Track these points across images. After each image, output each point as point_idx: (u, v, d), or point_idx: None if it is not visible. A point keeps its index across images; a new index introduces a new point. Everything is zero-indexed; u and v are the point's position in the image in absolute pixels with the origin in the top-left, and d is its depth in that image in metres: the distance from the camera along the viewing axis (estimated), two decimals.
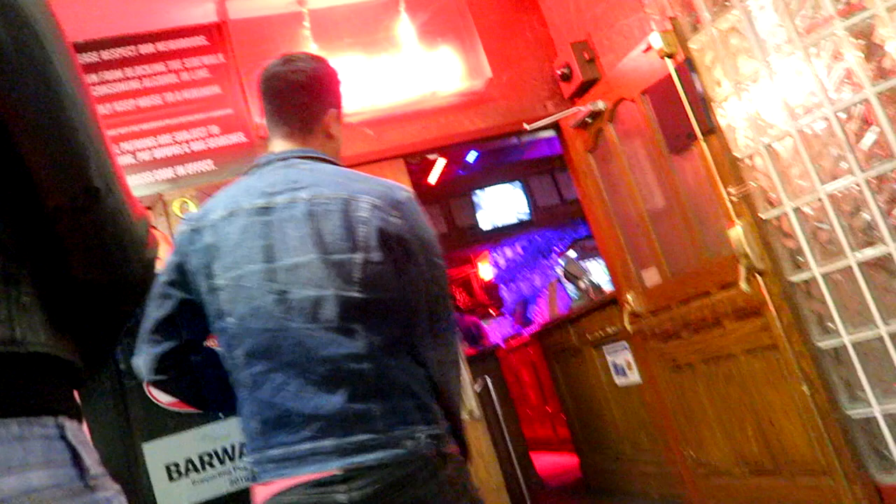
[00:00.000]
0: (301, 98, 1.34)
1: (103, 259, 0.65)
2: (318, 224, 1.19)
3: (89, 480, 0.58)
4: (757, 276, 2.51)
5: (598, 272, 6.09)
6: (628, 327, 3.25)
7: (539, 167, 8.38)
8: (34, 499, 0.53)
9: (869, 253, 2.22)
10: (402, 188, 1.29)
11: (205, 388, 1.30)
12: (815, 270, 2.38)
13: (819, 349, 2.42)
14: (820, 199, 2.33)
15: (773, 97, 2.42)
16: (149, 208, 2.94)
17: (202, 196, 2.99)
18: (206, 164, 3.11)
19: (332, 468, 1.10)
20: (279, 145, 1.34)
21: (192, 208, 2.98)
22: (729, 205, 2.57)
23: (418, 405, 1.18)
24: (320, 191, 1.22)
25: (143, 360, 1.26)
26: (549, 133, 3.68)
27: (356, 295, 1.16)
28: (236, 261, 1.20)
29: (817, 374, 2.41)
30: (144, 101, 3.10)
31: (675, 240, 2.98)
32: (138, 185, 3.00)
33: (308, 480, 1.10)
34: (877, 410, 2.28)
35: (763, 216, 2.51)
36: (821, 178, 2.32)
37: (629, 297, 3.24)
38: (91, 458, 0.60)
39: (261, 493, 1.16)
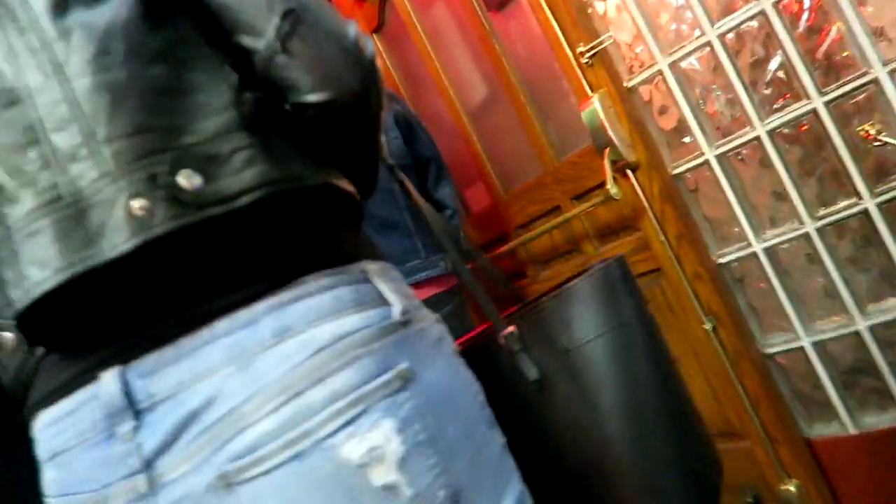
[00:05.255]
0: None
1: (328, 72, 0.59)
2: None
3: (401, 316, 0.59)
4: (628, 172, 1.73)
5: None
6: None
7: None
8: (349, 341, 0.54)
9: (788, 118, 1.51)
10: None
11: None
12: (709, 153, 1.64)
13: (721, 268, 1.71)
14: (710, 45, 1.57)
15: None
16: None
17: None
18: None
19: None
20: None
21: None
22: (579, 72, 1.74)
23: None
24: None
25: None
26: None
27: None
28: None
29: (721, 301, 1.70)
30: None
31: (507, 143, 2.14)
32: None
33: None
34: (804, 340, 1.62)
35: (628, 83, 1.72)
36: (710, 18, 1.56)
37: None
38: (398, 295, 0.60)
39: None
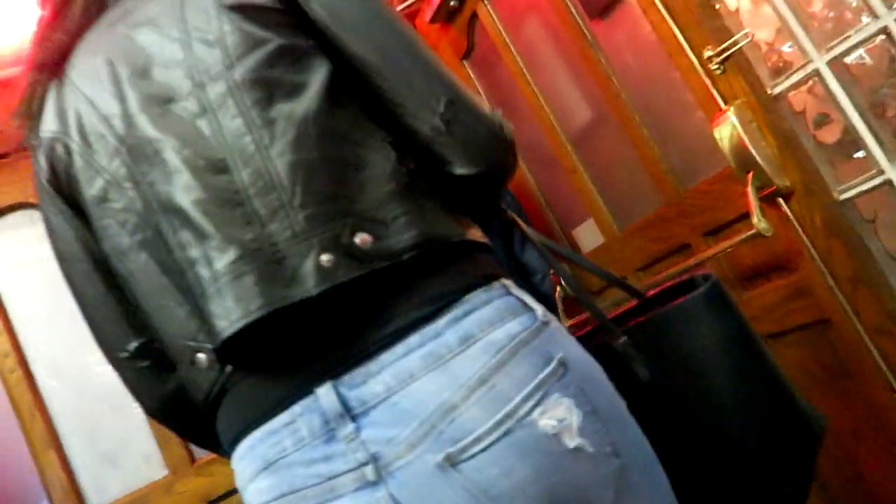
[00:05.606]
0: None
1: (478, 151, 0.74)
2: None
3: (543, 317, 0.71)
4: (779, 201, 1.39)
5: None
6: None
7: None
8: (518, 341, 0.67)
9: None
10: None
11: None
12: (890, 171, 1.26)
13: None
14: (885, 32, 1.22)
15: None
16: None
17: None
18: None
19: None
20: None
21: None
22: (708, 81, 1.42)
23: None
24: None
25: None
26: None
27: None
28: None
29: None
30: None
31: (619, 171, 1.84)
32: None
33: None
34: None
35: (773, 90, 1.38)
36: None
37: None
38: (533, 301, 0.72)
39: None
